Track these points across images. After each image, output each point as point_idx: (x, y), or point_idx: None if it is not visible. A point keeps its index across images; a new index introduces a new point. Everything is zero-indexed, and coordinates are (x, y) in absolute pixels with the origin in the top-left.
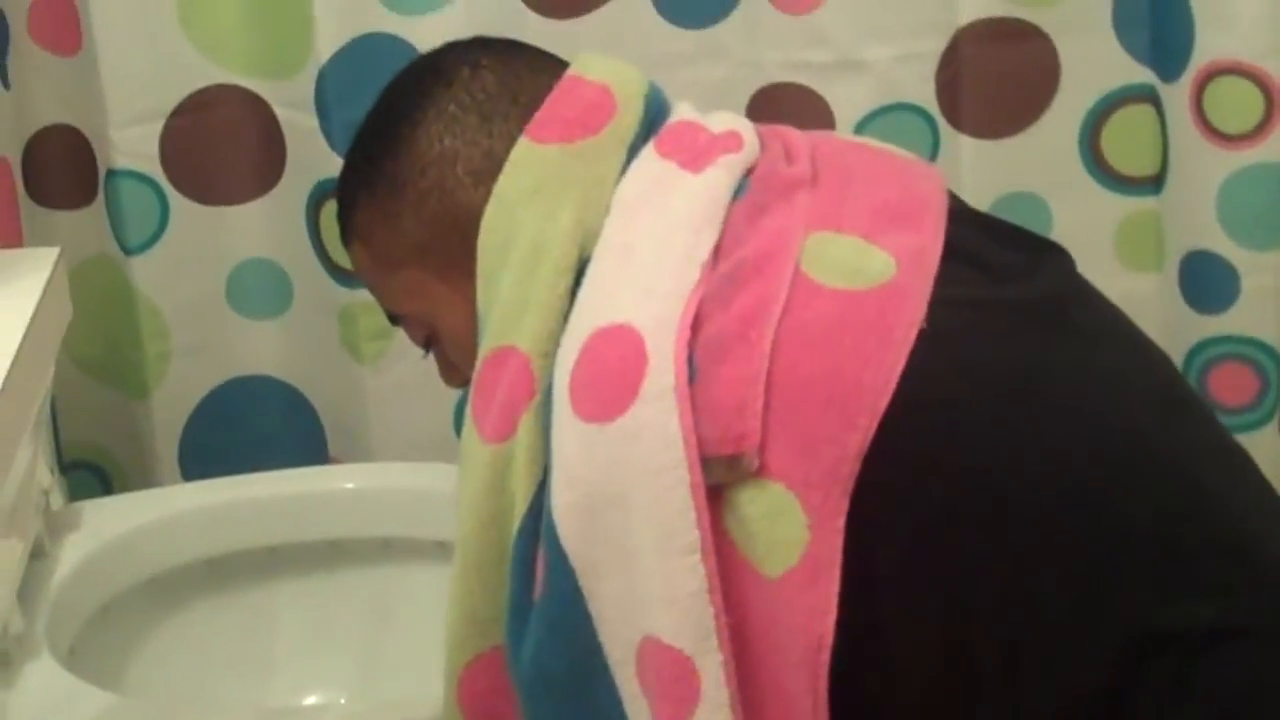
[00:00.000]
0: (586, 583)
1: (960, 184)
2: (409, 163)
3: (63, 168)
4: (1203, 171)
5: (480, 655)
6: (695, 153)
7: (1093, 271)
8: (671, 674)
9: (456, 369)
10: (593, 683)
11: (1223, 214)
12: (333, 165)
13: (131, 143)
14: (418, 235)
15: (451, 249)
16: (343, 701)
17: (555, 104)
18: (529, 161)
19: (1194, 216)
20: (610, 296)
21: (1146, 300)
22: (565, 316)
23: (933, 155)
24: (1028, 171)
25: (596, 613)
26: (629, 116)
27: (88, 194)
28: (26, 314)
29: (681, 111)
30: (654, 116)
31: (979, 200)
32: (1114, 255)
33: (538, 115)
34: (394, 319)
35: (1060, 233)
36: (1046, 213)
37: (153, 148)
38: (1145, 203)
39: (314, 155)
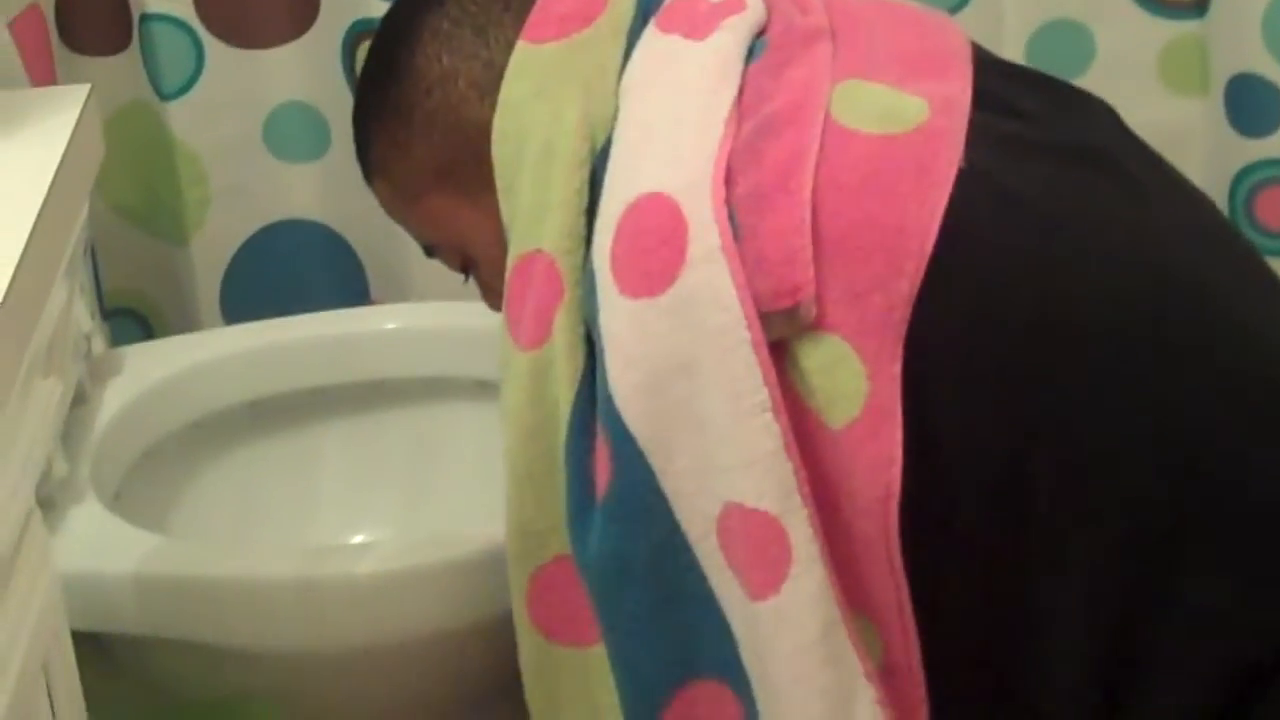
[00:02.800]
0: (658, 462)
1: (1003, 12)
2: (412, 87)
3: (96, 13)
4: None
5: (543, 567)
6: (697, 23)
7: (1137, 97)
8: (760, 537)
9: (498, 292)
10: (675, 563)
11: (1268, 36)
12: (367, 6)
13: None
14: (432, 159)
15: (468, 167)
16: (388, 539)
17: (547, 3)
18: (529, 64)
19: (1239, 40)
20: (636, 171)
21: (1192, 125)
22: (585, 211)
23: None
24: None
25: (671, 490)
26: (623, 3)
27: (122, 40)
28: (58, 151)
29: None
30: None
31: (1021, 29)
32: (1158, 80)
33: (531, 17)
34: (429, 251)
35: (1104, 59)
36: (1090, 39)
37: None
38: (1189, 26)
39: None
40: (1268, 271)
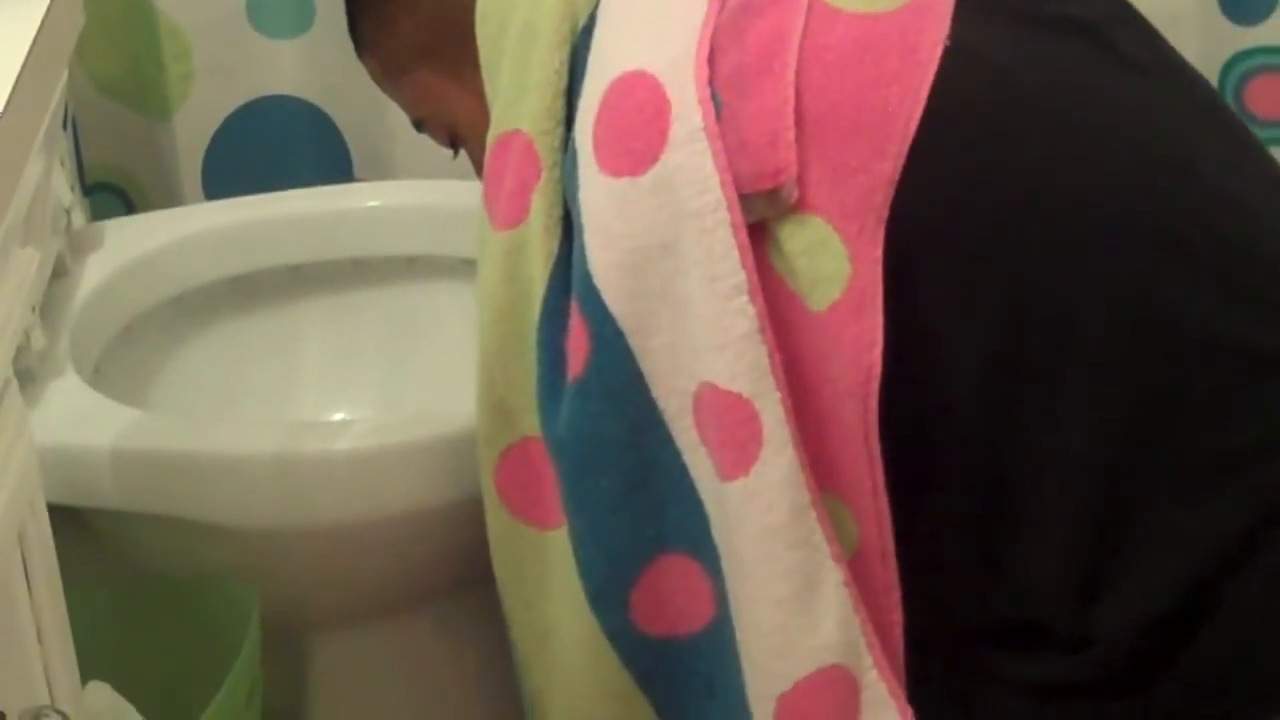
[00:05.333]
0: (636, 340)
1: None
2: None
3: None
4: None
5: (512, 446)
6: None
7: None
8: (732, 418)
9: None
10: (651, 439)
11: None
12: None
13: None
14: (416, 36)
15: (451, 45)
16: (368, 417)
17: None
18: None
19: None
20: (619, 50)
21: (1184, 11)
22: (564, 91)
23: None
24: None
25: (649, 369)
26: None
27: None
28: (37, 16)
29: None
30: None
31: None
32: None
33: None
34: (418, 125)
35: None
36: None
37: None
38: None
39: None
40: (1259, 149)
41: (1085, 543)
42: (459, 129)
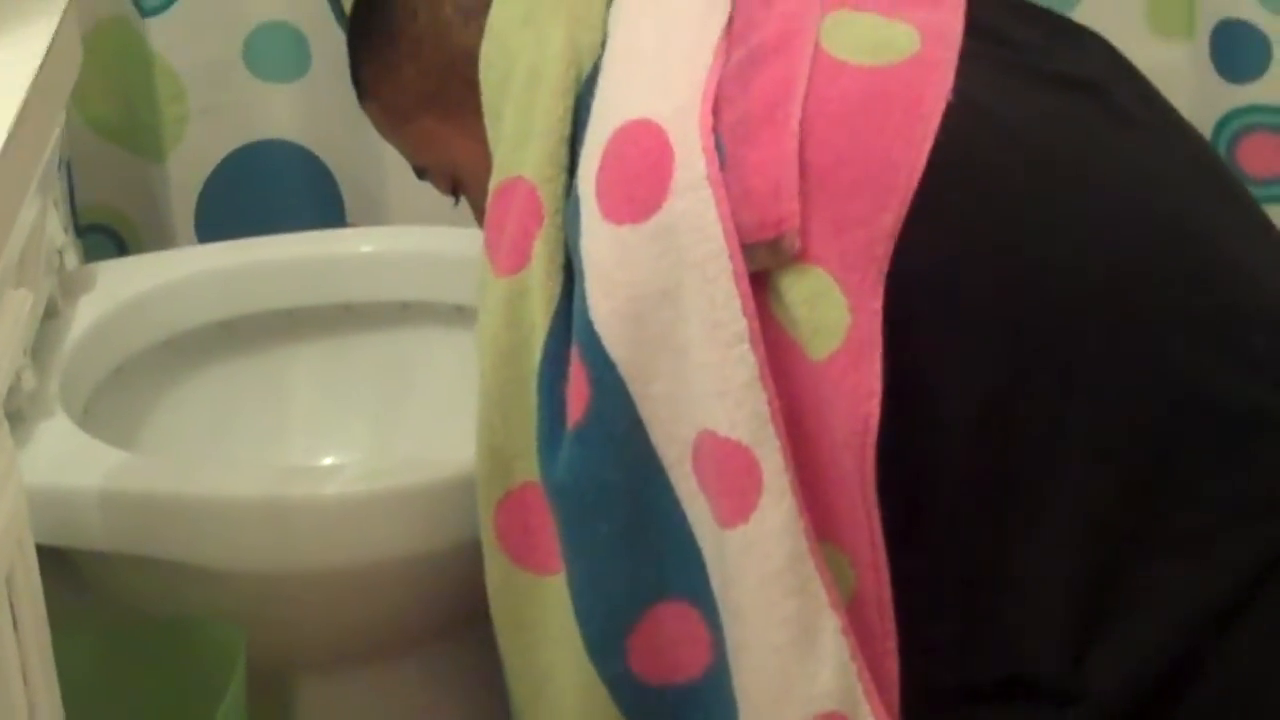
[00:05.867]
0: (636, 387)
1: None
2: (399, 10)
3: None
4: None
5: (510, 492)
6: None
7: (1123, 40)
8: (732, 466)
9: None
10: (650, 486)
11: None
12: None
13: None
14: (419, 83)
15: (455, 92)
16: (358, 462)
17: None
18: None
19: None
20: (624, 97)
21: (1177, 69)
22: (568, 139)
23: None
24: None
25: (648, 416)
26: None
27: None
28: (35, 60)
29: None
30: None
31: None
32: (1145, 23)
33: None
34: (420, 172)
35: (1091, 2)
36: None
37: None
38: None
39: None
40: (1252, 204)
41: (1080, 595)
42: (461, 176)
